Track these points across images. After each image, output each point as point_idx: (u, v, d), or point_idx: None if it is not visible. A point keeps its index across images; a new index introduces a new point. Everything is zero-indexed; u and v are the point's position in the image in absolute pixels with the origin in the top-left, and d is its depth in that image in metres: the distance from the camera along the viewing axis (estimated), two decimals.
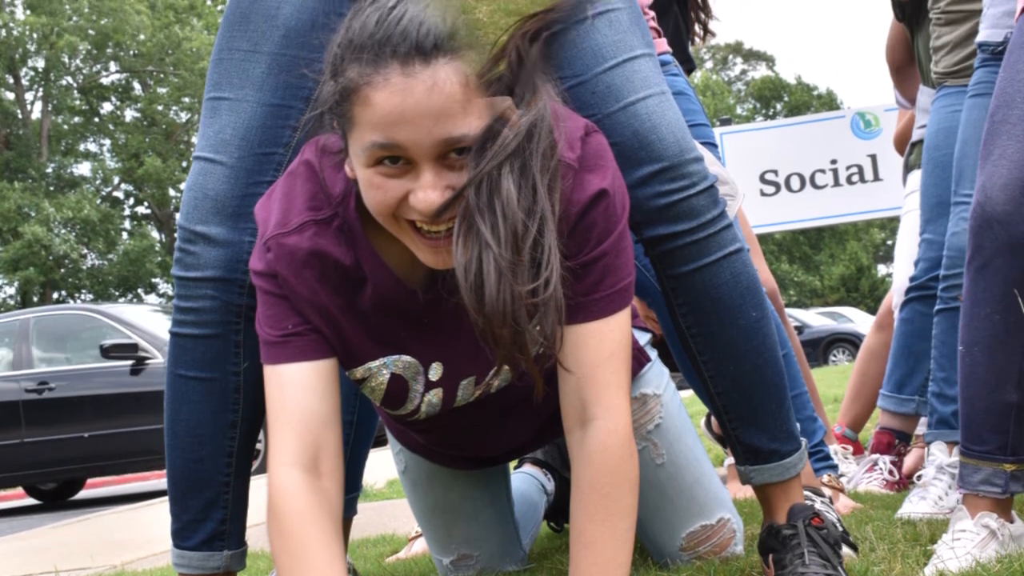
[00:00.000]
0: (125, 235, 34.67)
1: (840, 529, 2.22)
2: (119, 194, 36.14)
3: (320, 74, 1.67)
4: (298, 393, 1.74)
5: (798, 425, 2.18)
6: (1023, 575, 1.87)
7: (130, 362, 8.84)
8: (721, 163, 3.10)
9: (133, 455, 9.01)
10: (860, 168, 10.88)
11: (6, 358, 9.35)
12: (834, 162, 10.90)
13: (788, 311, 22.29)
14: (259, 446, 8.31)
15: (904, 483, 3.46)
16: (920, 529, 2.42)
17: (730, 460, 3.48)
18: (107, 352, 8.82)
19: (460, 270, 1.54)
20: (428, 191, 1.55)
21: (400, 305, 1.81)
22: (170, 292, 9.51)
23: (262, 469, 6.97)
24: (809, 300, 43.52)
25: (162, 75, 35.78)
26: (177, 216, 2.54)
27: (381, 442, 8.13)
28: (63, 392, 8.99)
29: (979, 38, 2.68)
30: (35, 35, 33.02)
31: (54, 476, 9.70)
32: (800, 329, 22.77)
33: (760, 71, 53.91)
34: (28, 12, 32.92)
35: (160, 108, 36.40)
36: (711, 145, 3.05)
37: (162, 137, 35.58)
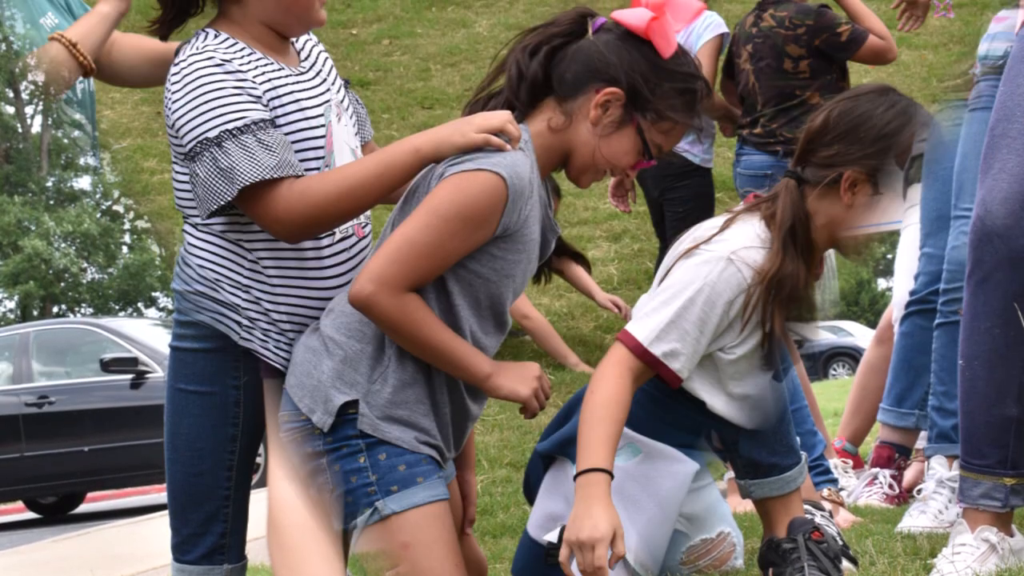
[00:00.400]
0: (125, 249, 34.63)
1: (840, 543, 2.22)
2: (119, 208, 36.13)
3: None
4: None
5: (798, 439, 2.18)
6: None
7: (130, 376, 8.80)
8: None
9: (133, 469, 8.96)
10: None
11: (6, 372, 9.32)
12: None
13: None
14: (259, 460, 8.27)
15: (904, 497, 3.45)
16: (920, 543, 2.42)
17: (730, 474, 3.47)
18: (107, 366, 8.78)
19: None
20: None
21: None
22: (170, 306, 9.48)
23: (262, 483, 6.94)
24: None
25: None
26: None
27: None
28: (63, 406, 8.95)
29: (980, 51, 2.68)
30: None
31: (54, 490, 9.67)
32: (799, 343, 22.69)
33: None
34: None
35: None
36: None
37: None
